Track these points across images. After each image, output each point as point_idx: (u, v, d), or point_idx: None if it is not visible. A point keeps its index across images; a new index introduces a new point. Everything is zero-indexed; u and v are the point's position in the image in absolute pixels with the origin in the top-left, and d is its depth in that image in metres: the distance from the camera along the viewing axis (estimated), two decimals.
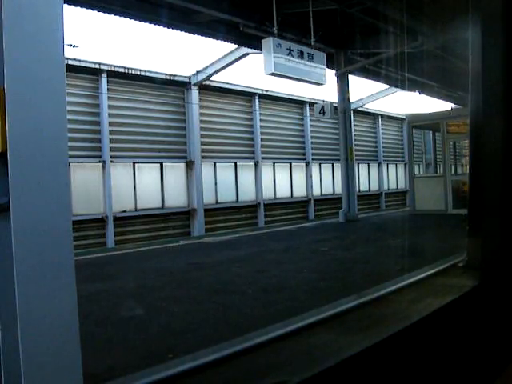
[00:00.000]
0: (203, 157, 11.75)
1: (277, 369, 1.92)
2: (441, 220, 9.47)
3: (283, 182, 14.36)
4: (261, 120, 13.51)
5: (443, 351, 2.56)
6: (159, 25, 7.92)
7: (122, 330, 2.98)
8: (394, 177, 19.71)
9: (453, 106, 15.94)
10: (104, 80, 9.97)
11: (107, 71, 10.01)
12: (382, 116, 18.67)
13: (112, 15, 7.23)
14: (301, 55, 7.63)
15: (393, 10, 7.98)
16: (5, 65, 1.06)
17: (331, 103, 10.90)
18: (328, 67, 8.75)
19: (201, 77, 11.39)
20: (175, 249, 7.28)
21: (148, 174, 10.86)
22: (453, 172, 11.76)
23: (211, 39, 8.88)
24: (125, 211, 10.32)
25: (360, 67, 10.91)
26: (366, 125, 18.08)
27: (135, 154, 10.62)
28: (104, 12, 7.14)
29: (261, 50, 7.47)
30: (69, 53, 8.81)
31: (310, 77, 7.93)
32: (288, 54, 7.36)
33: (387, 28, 8.81)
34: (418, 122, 12.13)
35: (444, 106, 16.30)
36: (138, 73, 10.49)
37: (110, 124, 10.12)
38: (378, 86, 15.13)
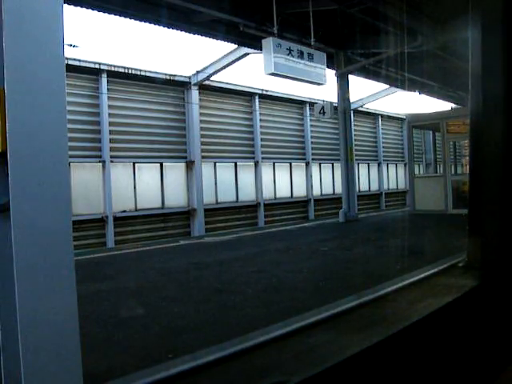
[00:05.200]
0: (203, 157, 11.75)
1: (277, 369, 1.92)
2: (441, 220, 9.47)
3: (283, 181, 14.36)
4: (261, 120, 13.51)
5: (443, 351, 2.56)
6: (159, 25, 7.91)
7: (121, 330, 2.98)
8: (394, 177, 19.69)
9: (453, 105, 15.95)
10: (104, 80, 9.97)
11: (107, 71, 10.01)
12: (382, 116, 18.66)
13: (112, 15, 7.23)
14: (301, 55, 7.62)
15: (393, 9, 7.97)
16: (5, 65, 1.06)
17: (331, 103, 10.89)
18: (328, 67, 8.74)
19: (201, 77, 11.38)
20: (175, 249, 7.28)
21: (148, 174, 10.86)
22: (453, 172, 11.75)
23: (211, 39, 8.88)
24: (125, 211, 10.32)
25: (360, 67, 10.91)
26: (366, 125, 18.07)
27: (135, 154, 10.61)
28: (104, 12, 7.13)
29: (261, 49, 7.46)
30: (69, 53, 8.81)
31: (310, 77, 7.92)
32: (288, 54, 7.35)
33: (387, 28, 8.81)
34: (418, 122, 12.13)
35: (444, 105, 16.31)
36: (138, 73, 10.48)
37: (110, 124, 10.12)
38: (378, 86, 15.12)
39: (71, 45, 8.94)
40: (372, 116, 18.29)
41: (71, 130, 8.82)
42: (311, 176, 15.17)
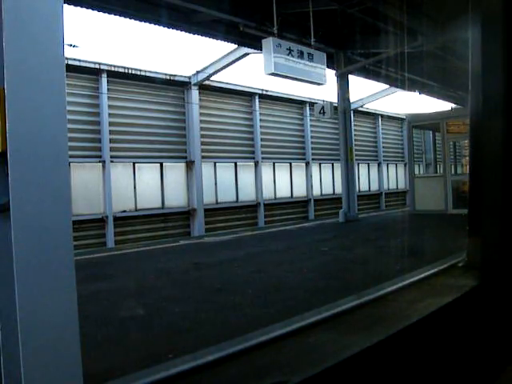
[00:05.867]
0: (203, 157, 11.75)
1: (277, 369, 1.92)
2: (441, 220, 9.47)
3: (283, 181, 14.36)
4: (261, 120, 13.51)
5: (443, 351, 2.56)
6: (159, 25, 7.91)
7: (122, 330, 2.98)
8: (394, 177, 19.70)
9: (453, 105, 15.94)
10: (104, 80, 9.97)
11: (107, 71, 10.01)
12: (382, 116, 18.66)
13: (112, 15, 7.23)
14: (301, 55, 7.62)
15: (393, 9, 7.97)
16: (5, 65, 1.06)
17: (331, 103, 10.89)
18: (328, 67, 8.74)
19: (201, 77, 11.38)
20: (175, 249, 7.28)
21: (148, 174, 10.86)
22: (453, 172, 11.75)
23: (211, 39, 8.88)
24: (125, 211, 10.32)
25: (360, 67, 10.91)
26: (366, 125, 18.07)
27: (135, 154, 10.61)
28: (104, 12, 7.13)
29: (261, 49, 7.46)
30: (69, 53, 8.80)
31: (309, 77, 7.92)
32: (288, 54, 7.35)
33: (387, 28, 8.81)
34: (418, 122, 12.13)
35: (444, 105, 16.31)
36: (138, 73, 10.48)
37: (110, 124, 10.12)
38: (378, 86, 15.12)
39: (71, 45, 8.94)
40: (372, 116, 18.29)
41: (71, 129, 8.82)
42: (311, 176, 15.17)
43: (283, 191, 14.33)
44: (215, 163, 12.24)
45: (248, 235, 8.75)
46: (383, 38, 9.28)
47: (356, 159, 11.92)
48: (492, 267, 3.51)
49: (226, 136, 12.63)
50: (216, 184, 12.26)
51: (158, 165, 11.02)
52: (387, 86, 14.88)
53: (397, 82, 12.57)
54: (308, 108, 14.98)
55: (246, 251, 6.47)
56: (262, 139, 13.50)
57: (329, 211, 14.80)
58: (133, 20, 7.56)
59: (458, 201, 10.33)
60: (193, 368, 1.97)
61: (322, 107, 10.84)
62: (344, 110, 10.52)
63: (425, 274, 3.65)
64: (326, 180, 15.95)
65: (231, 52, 10.62)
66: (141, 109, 10.68)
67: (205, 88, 11.83)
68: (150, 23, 7.73)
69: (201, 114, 11.73)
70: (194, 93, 11.50)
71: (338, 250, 6.29)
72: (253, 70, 11.23)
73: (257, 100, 13.39)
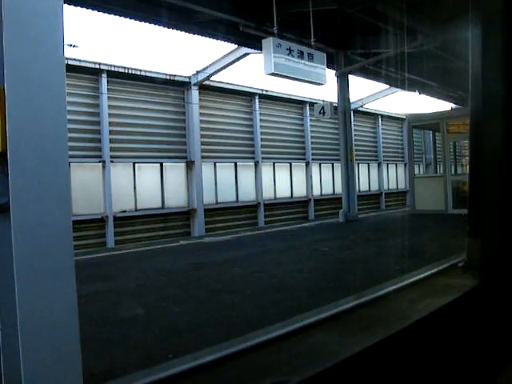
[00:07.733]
0: (203, 157, 11.75)
1: (277, 369, 1.92)
2: (441, 220, 9.48)
3: (283, 182, 14.36)
4: (261, 120, 13.51)
5: (443, 351, 2.56)
6: (159, 25, 7.92)
7: (122, 330, 2.98)
8: (394, 177, 19.69)
9: (453, 106, 15.95)
10: (104, 80, 9.97)
11: (107, 71, 10.00)
12: (382, 116, 18.66)
13: (112, 15, 7.23)
14: (301, 55, 7.63)
15: (393, 9, 7.98)
16: (5, 65, 1.06)
17: (331, 103, 10.90)
18: (328, 67, 8.75)
19: (201, 77, 11.38)
20: (175, 249, 7.28)
21: (148, 174, 10.86)
22: (453, 172, 11.76)
23: (211, 39, 8.88)
24: (125, 211, 10.31)
25: (360, 67, 10.91)
26: (366, 125, 18.07)
27: (135, 154, 10.61)
28: (104, 12, 7.14)
29: (261, 49, 7.47)
30: (69, 53, 8.81)
31: (310, 77, 7.93)
32: (288, 54, 7.35)
33: (387, 28, 8.81)
34: (418, 122, 12.13)
35: (444, 106, 16.32)
36: (138, 73, 10.48)
37: (110, 124, 10.12)
38: (378, 86, 15.13)
39: (71, 45, 8.94)
40: (372, 116, 18.29)
41: (71, 130, 8.82)
42: (311, 176, 15.17)
43: (283, 191, 14.33)
44: (215, 163, 12.24)
45: (248, 235, 8.75)
46: (383, 38, 9.28)
47: (356, 159, 11.93)
48: (492, 267, 3.51)
49: (226, 136, 12.63)
50: (216, 184, 12.26)
51: (158, 165, 11.02)
52: (387, 86, 14.88)
53: (397, 81, 12.58)
54: (308, 108, 14.98)
55: (246, 251, 6.47)
56: (262, 139, 13.50)
57: (329, 211, 14.80)
58: (133, 20, 7.57)
59: (457, 201, 10.34)
60: (193, 368, 1.97)
61: (322, 107, 10.85)
62: (344, 110, 10.52)
63: (425, 274, 3.65)
64: (325, 180, 15.95)
65: (231, 52, 10.62)
66: (141, 109, 10.68)
67: (205, 88, 11.83)
68: (150, 23, 7.74)
69: (201, 114, 11.73)
70: (194, 93, 11.50)
71: (338, 249, 6.29)
72: (253, 70, 11.26)
73: (257, 100, 13.38)
